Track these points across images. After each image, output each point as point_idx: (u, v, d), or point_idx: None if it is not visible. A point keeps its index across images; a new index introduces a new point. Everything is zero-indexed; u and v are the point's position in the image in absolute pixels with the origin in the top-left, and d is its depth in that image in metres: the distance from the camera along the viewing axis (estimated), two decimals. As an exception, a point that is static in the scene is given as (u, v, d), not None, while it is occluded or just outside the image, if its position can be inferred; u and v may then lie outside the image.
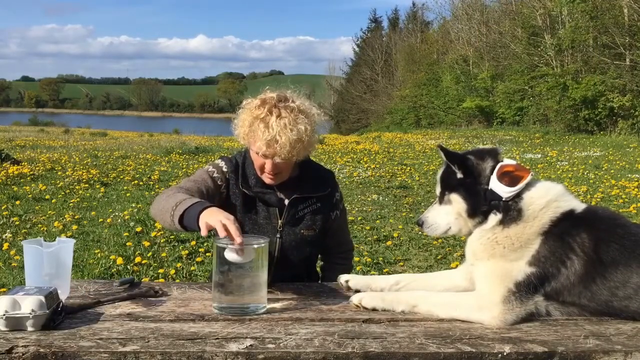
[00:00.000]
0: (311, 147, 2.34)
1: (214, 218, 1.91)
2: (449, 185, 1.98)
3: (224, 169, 2.44)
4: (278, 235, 2.41)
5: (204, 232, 1.93)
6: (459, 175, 1.94)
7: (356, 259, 6.02)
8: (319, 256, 2.77)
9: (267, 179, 2.36)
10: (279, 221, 2.41)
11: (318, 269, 2.79)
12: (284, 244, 2.42)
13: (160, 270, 5.46)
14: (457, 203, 1.95)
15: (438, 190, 2.03)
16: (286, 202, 2.42)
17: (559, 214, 1.89)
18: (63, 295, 1.95)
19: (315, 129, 2.33)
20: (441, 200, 2.01)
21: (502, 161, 1.95)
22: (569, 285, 1.84)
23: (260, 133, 2.21)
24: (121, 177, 11.56)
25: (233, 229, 1.86)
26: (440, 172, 2.04)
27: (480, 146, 2.09)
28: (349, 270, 2.70)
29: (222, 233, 1.86)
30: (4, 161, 12.38)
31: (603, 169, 13.87)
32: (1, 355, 1.56)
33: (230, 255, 1.86)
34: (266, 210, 2.41)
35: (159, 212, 2.18)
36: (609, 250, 1.84)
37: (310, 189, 2.45)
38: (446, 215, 1.99)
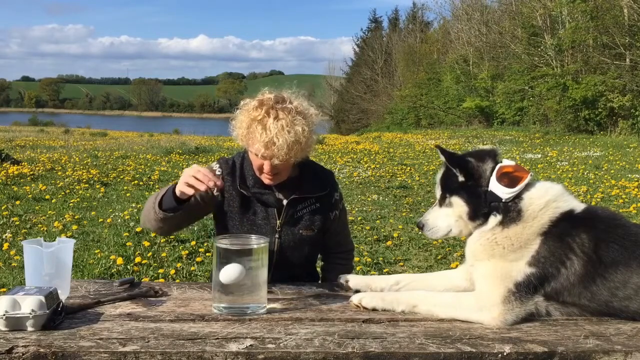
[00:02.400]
0: (309, 148, 2.34)
1: (182, 183, 2.10)
2: (449, 187, 1.97)
3: (217, 173, 2.44)
4: (277, 236, 2.41)
5: (187, 194, 2.14)
6: (460, 178, 1.93)
7: (356, 259, 6.02)
8: (320, 256, 2.78)
9: (265, 179, 2.36)
10: (278, 221, 2.41)
11: (318, 270, 2.79)
12: (283, 244, 2.42)
13: (160, 270, 5.46)
14: (458, 206, 1.94)
15: (438, 192, 2.02)
16: (285, 202, 2.42)
17: (559, 214, 1.89)
18: (63, 295, 1.95)
19: (314, 129, 2.32)
20: (441, 202, 2.01)
21: (501, 162, 1.95)
22: (569, 285, 1.84)
23: (258, 135, 2.21)
24: (121, 177, 11.57)
25: (201, 175, 2.05)
26: (439, 174, 2.03)
27: (479, 147, 2.09)
28: (349, 270, 2.70)
29: (200, 186, 2.06)
30: (4, 161, 12.37)
31: (603, 169, 13.87)
32: (1, 355, 1.56)
33: (225, 276, 1.88)
34: (264, 210, 2.42)
35: (146, 215, 2.33)
36: (609, 251, 1.84)
37: (309, 189, 2.45)
38: (447, 217, 1.99)
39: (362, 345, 1.63)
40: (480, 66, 35.24)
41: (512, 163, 1.94)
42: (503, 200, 1.89)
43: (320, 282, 2.65)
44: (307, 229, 2.44)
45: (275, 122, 2.20)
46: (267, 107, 2.24)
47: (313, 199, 2.46)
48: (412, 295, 1.97)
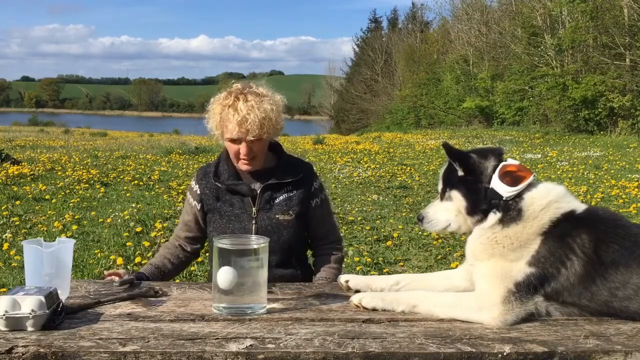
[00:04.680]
0: (279, 126, 2.57)
1: None
2: (450, 182, 1.98)
3: (193, 185, 2.71)
4: (253, 222, 2.57)
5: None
6: (460, 172, 1.94)
7: (356, 259, 6.02)
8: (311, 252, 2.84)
9: (243, 165, 2.55)
10: (253, 209, 2.58)
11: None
12: (259, 229, 2.56)
13: (160, 270, 5.45)
14: (457, 200, 1.95)
15: (440, 186, 2.03)
16: (258, 190, 2.59)
17: (559, 214, 1.89)
18: (63, 295, 1.95)
19: (281, 110, 2.56)
20: (442, 196, 2.02)
21: (505, 161, 1.95)
22: (569, 285, 1.84)
23: (231, 116, 2.46)
24: (121, 177, 11.57)
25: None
26: (443, 168, 2.04)
27: (483, 145, 2.10)
28: (340, 259, 2.77)
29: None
30: (4, 161, 12.38)
31: (603, 169, 13.87)
32: (1, 355, 1.56)
33: (221, 279, 1.88)
34: (241, 200, 2.60)
35: None
36: (609, 251, 1.84)
37: (282, 176, 2.62)
38: (446, 211, 1.99)
39: (362, 345, 1.63)
40: (480, 66, 35.24)
41: (516, 162, 1.95)
42: (504, 199, 1.89)
43: (313, 274, 2.73)
44: (283, 213, 2.59)
45: (244, 104, 2.46)
46: (236, 93, 2.50)
47: (290, 186, 2.62)
48: (412, 295, 1.97)
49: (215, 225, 2.63)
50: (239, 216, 2.59)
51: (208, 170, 2.68)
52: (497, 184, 1.89)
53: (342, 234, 3.08)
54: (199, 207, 2.67)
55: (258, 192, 2.59)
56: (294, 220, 2.60)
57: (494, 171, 1.92)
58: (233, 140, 2.50)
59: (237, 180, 2.62)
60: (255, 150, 2.52)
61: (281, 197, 2.60)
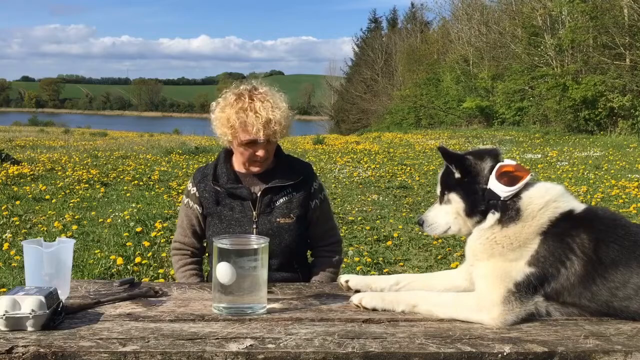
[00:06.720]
0: (290, 125, 2.58)
1: None
2: (448, 185, 1.98)
3: (190, 188, 2.67)
4: (254, 226, 2.55)
5: None
6: (457, 175, 1.94)
7: (356, 259, 6.02)
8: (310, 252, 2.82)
9: (255, 167, 2.54)
10: (254, 212, 2.55)
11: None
12: (260, 233, 2.52)
13: (160, 270, 5.46)
14: (455, 203, 1.95)
15: (438, 190, 2.03)
16: (258, 194, 2.56)
17: (558, 214, 1.89)
18: (63, 295, 1.95)
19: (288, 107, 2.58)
20: (441, 200, 2.02)
21: (502, 161, 1.95)
22: (569, 285, 1.84)
23: (253, 119, 2.41)
24: (121, 177, 11.57)
25: None
26: (441, 172, 2.04)
27: (481, 146, 2.10)
28: (338, 262, 2.76)
29: None
30: (4, 161, 12.38)
31: (603, 169, 13.88)
32: (1, 355, 1.56)
33: (221, 275, 1.88)
34: (241, 204, 2.57)
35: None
36: (609, 251, 1.84)
37: (282, 178, 2.59)
38: (446, 214, 1.99)
39: (362, 345, 1.63)
40: (480, 66, 35.24)
41: (513, 163, 1.95)
42: (502, 199, 1.89)
43: (311, 276, 2.71)
44: (284, 216, 2.57)
45: (263, 104, 2.43)
46: (249, 95, 2.47)
47: (289, 188, 2.59)
48: (412, 295, 1.97)
49: (215, 230, 2.57)
50: (240, 220, 2.55)
51: (206, 172, 2.63)
52: (494, 185, 1.89)
53: (342, 234, 3.06)
54: (200, 210, 2.63)
55: (258, 195, 2.56)
56: (295, 223, 2.58)
57: (490, 172, 1.92)
58: (251, 143, 2.46)
59: (236, 183, 2.58)
60: (270, 151, 2.52)
61: (281, 200, 2.57)
